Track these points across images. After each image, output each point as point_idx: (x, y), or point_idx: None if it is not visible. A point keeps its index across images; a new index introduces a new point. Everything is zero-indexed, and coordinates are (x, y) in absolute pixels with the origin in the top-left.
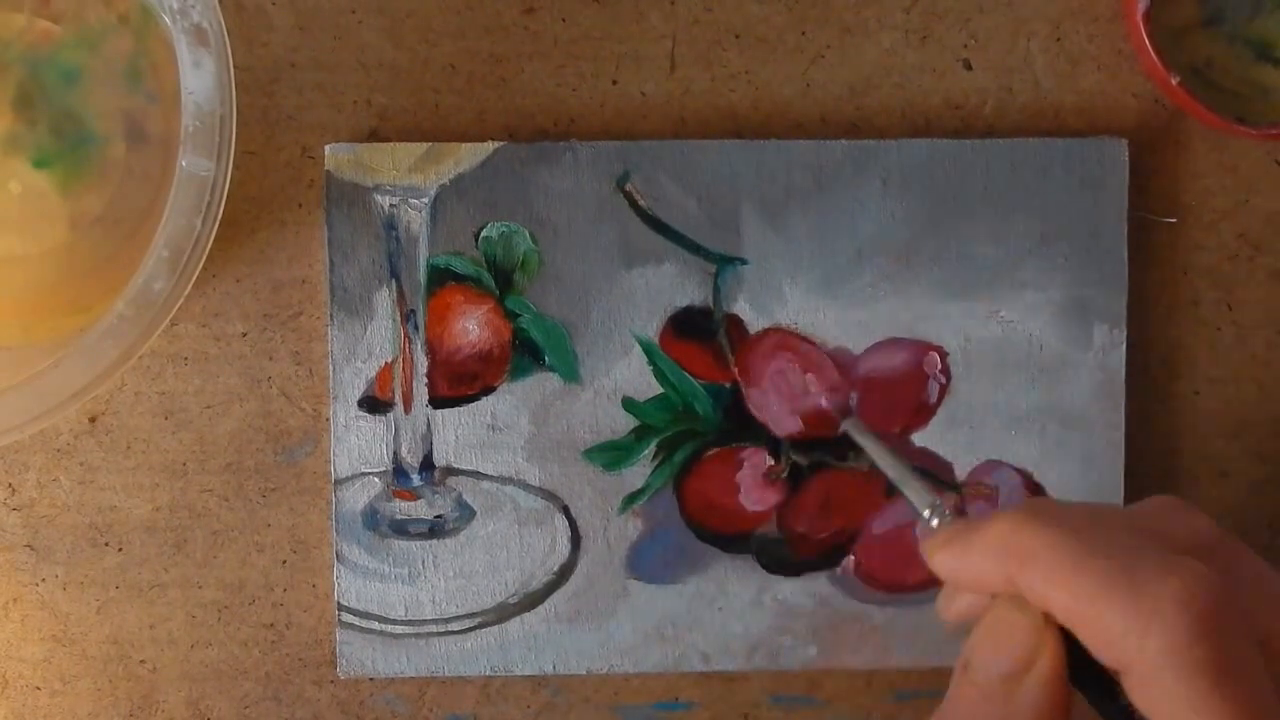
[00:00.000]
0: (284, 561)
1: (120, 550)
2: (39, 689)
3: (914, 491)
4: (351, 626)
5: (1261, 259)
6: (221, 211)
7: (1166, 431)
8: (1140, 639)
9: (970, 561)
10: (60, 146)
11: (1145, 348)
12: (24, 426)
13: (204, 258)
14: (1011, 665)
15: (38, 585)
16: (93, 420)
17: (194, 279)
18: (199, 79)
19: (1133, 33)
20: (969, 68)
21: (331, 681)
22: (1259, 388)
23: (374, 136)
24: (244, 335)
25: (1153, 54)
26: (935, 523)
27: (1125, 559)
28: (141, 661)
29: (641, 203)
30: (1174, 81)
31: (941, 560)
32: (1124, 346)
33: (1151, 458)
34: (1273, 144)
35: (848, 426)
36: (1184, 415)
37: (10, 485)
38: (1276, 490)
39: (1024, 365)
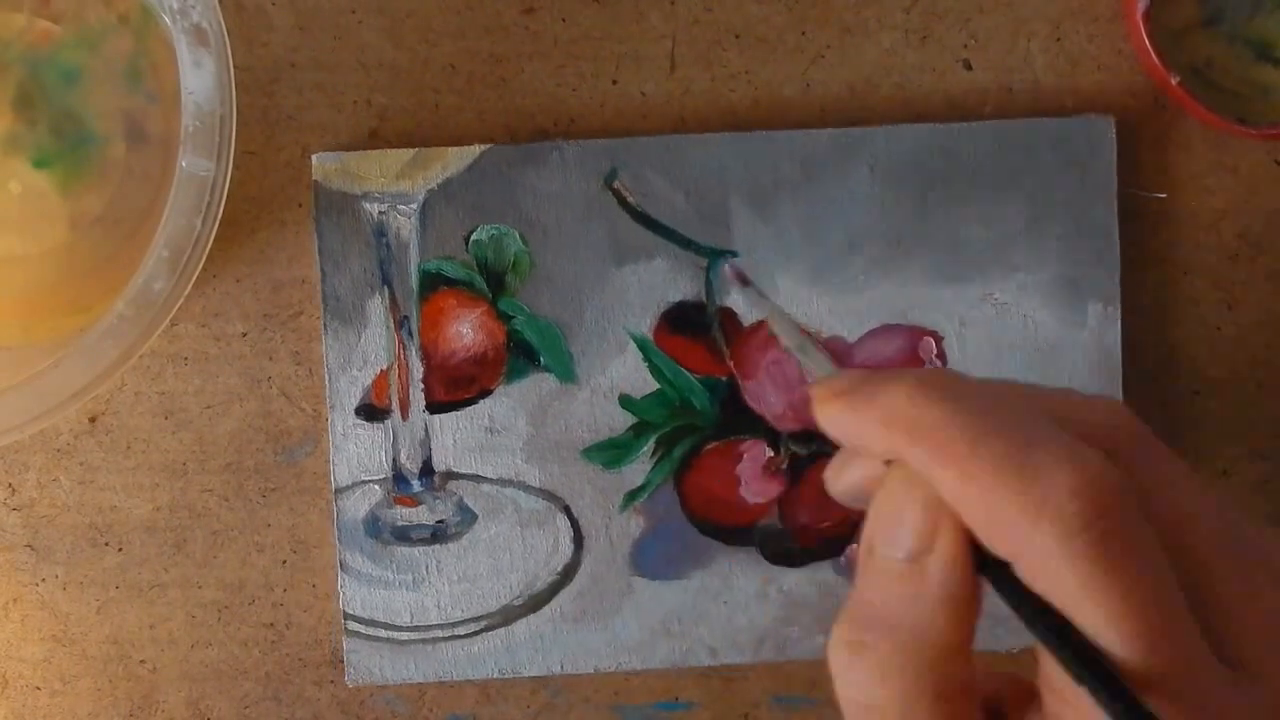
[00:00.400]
0: (284, 562)
1: (120, 550)
2: (39, 689)
3: (814, 361)
4: (358, 635)
5: (1261, 259)
6: (221, 211)
7: (1166, 431)
8: (1031, 528)
9: (861, 421)
10: (60, 146)
11: (1145, 348)
12: (24, 426)
13: (204, 258)
14: (912, 546)
15: (38, 585)
16: (93, 420)
17: (194, 279)
18: (199, 79)
19: (1133, 33)
20: (969, 68)
21: (332, 682)
22: (1259, 388)
23: (374, 136)
24: (244, 335)
25: (1153, 54)
26: None
27: (1022, 444)
28: (141, 661)
29: (630, 199)
30: (1174, 81)
31: (832, 413)
32: (1119, 323)
33: None
34: (1273, 144)
35: (748, 295)
36: (1184, 415)
37: (10, 485)
38: (1276, 490)
39: (1020, 346)
